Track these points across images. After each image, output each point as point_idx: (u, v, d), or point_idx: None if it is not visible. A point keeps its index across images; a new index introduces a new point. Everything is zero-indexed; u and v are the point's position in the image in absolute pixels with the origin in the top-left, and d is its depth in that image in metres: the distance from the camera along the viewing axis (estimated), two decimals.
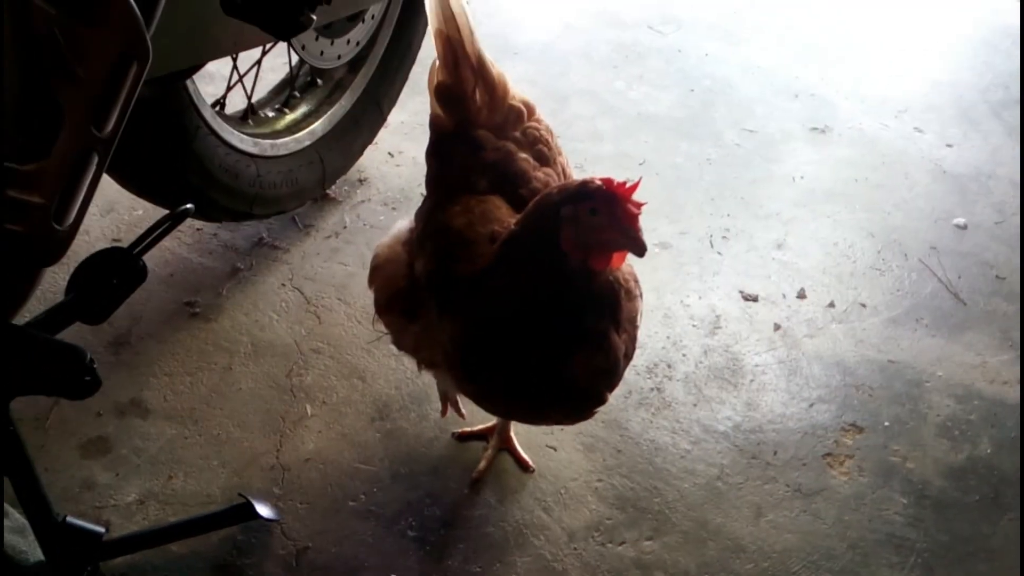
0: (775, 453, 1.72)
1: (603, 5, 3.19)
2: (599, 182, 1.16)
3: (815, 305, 2.04)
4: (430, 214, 1.44)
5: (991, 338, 2.01)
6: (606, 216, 1.14)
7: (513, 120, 1.47)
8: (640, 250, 1.14)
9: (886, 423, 1.79)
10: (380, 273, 1.50)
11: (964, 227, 2.32)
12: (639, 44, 2.98)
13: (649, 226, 2.26)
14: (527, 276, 1.23)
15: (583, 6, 3.18)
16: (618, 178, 2.33)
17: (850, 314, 2.02)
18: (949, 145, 2.63)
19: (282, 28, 1.05)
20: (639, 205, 1.14)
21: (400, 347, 1.50)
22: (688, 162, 2.46)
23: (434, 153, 1.51)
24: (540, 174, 1.43)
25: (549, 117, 2.52)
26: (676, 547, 1.56)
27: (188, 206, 1.10)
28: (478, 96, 1.44)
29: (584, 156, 2.44)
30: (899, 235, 2.26)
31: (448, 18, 1.41)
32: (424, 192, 1.54)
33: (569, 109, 2.64)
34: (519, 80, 2.67)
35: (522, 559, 1.52)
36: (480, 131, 1.44)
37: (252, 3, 0.98)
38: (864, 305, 2.05)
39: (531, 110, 1.49)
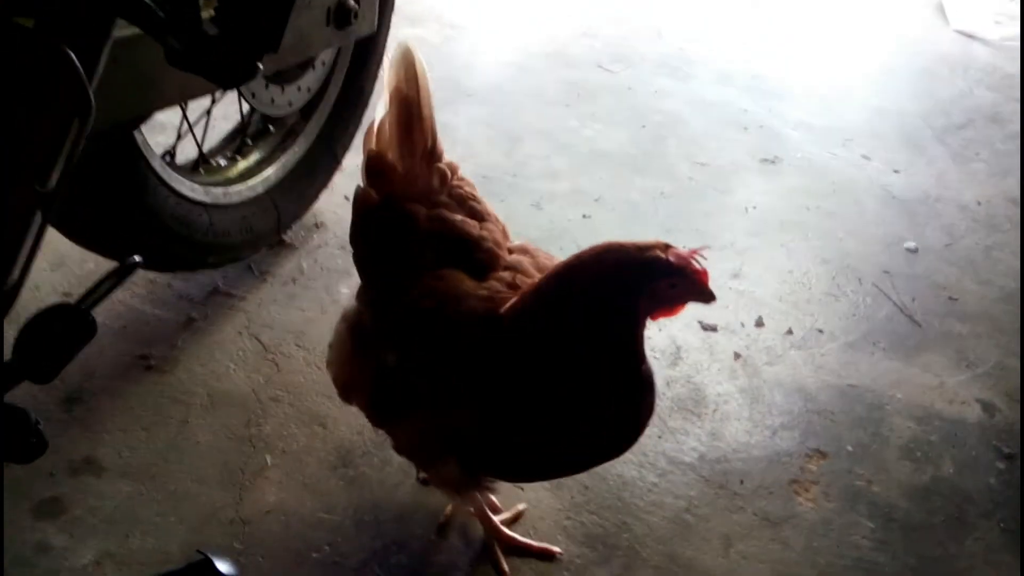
0: (741, 482, 1.72)
1: (553, 47, 3.24)
2: (670, 257, 1.17)
3: (773, 333, 2.06)
4: (387, 303, 1.35)
5: (947, 359, 2.04)
6: (683, 284, 1.18)
7: (439, 183, 1.40)
8: (711, 301, 1.21)
9: (849, 447, 1.80)
10: (333, 361, 1.46)
11: (915, 250, 2.37)
12: (590, 83, 3.03)
13: None
14: (588, 346, 1.21)
15: (533, 48, 3.22)
16: (573, 213, 2.34)
17: (808, 340, 2.04)
18: (896, 171, 2.69)
19: (228, 78, 1.04)
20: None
21: (399, 452, 1.46)
22: (643, 197, 2.49)
23: (361, 234, 1.41)
24: (485, 232, 1.37)
25: (504, 157, 2.59)
26: None
27: (135, 259, 1.08)
28: (420, 164, 1.38)
29: (540, 194, 2.46)
30: (852, 260, 2.30)
31: (411, 78, 1.36)
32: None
33: (524, 148, 2.67)
34: (474, 121, 2.73)
35: None
36: (410, 204, 1.36)
37: (196, 53, 0.97)
38: (821, 331, 2.07)
39: (454, 169, 1.43)
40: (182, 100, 1.60)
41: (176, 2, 0.98)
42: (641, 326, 1.24)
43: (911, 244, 2.39)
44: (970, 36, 3.66)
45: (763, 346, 2.02)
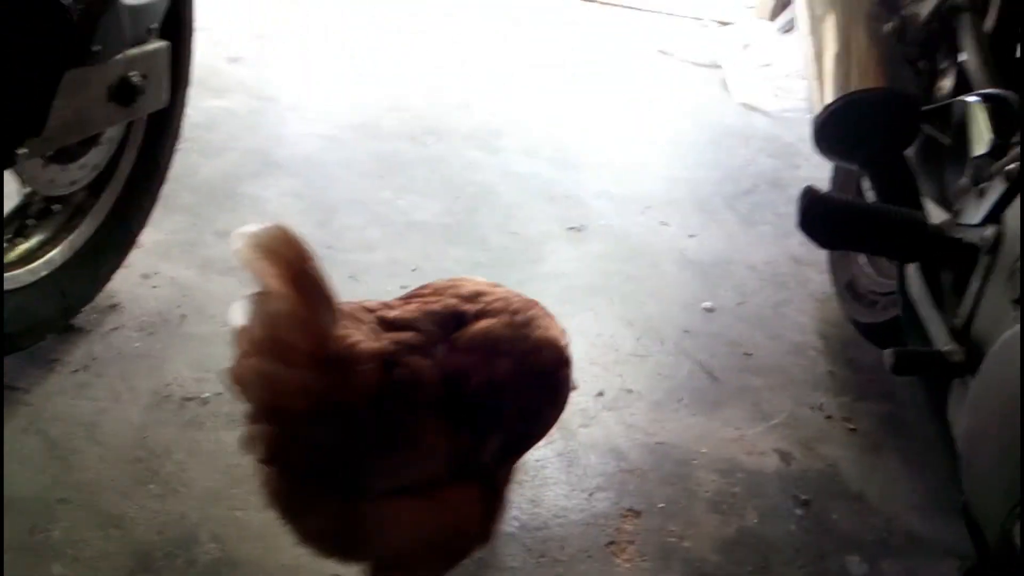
0: (562, 548, 1.73)
1: (363, 118, 3.25)
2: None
3: (586, 395, 2.11)
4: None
5: (745, 412, 2.16)
6: None
7: (330, 307, 1.17)
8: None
9: (661, 504, 1.86)
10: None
11: (711, 310, 2.52)
12: (401, 154, 3.05)
13: None
14: None
15: (343, 120, 3.22)
16: (391, 284, 2.31)
17: (618, 401, 2.11)
18: (691, 236, 2.87)
19: None
20: None
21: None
22: (458, 266, 2.51)
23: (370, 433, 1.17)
24: (417, 301, 1.30)
25: (318, 228, 2.55)
26: None
27: None
28: (335, 312, 1.18)
29: (357, 266, 2.43)
30: (655, 322, 2.42)
31: (285, 239, 1.09)
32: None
33: (338, 220, 2.64)
34: (285, 194, 2.68)
35: None
36: (360, 347, 1.16)
37: None
38: (630, 391, 2.15)
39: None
40: None
41: None
42: None
43: (707, 304, 2.54)
44: (752, 108, 3.99)
45: (577, 408, 2.07)
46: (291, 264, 1.09)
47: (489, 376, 1.24)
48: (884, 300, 2.23)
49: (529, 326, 1.32)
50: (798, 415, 2.18)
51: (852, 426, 2.17)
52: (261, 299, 1.09)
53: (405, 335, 1.21)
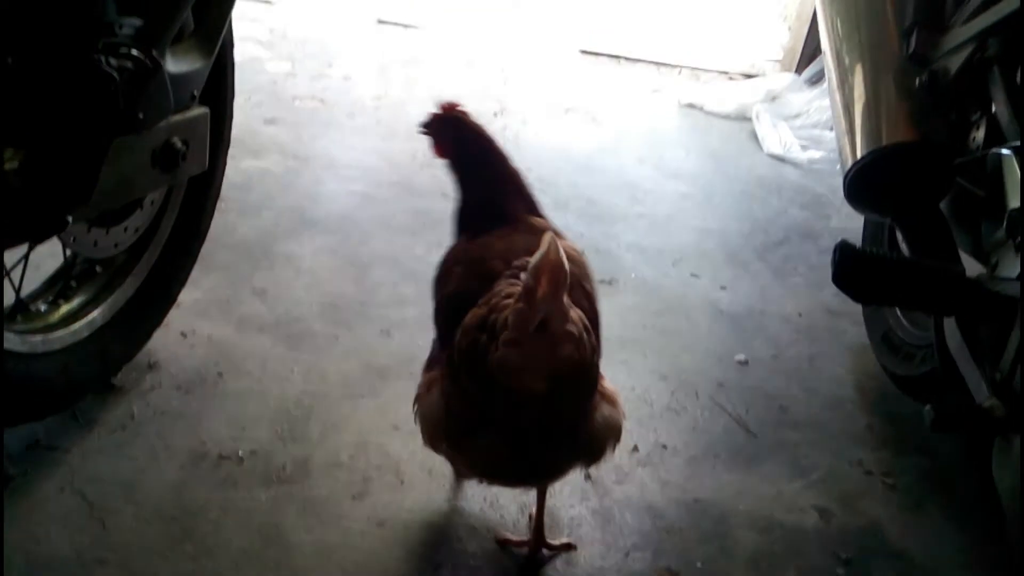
0: None
1: (398, 176, 3.31)
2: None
3: (620, 451, 2.08)
4: None
5: (783, 467, 2.13)
6: None
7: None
8: None
9: (699, 564, 1.83)
10: None
11: (745, 363, 2.50)
12: (435, 211, 3.08)
13: None
14: None
15: (380, 178, 3.28)
16: (423, 339, 2.33)
17: (653, 457, 2.09)
18: (723, 288, 2.86)
19: (32, 233, 0.99)
20: None
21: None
22: None
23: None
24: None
25: (352, 285, 2.58)
26: None
27: None
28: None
29: (388, 321, 2.45)
30: (689, 376, 2.40)
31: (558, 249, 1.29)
32: None
33: (371, 276, 2.67)
34: (320, 251, 2.72)
35: None
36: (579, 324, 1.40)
37: None
38: (665, 446, 2.13)
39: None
40: None
41: None
42: None
43: (741, 356, 2.52)
44: (782, 159, 4.00)
45: (611, 465, 2.05)
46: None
47: (591, 302, 1.58)
48: (921, 353, 2.20)
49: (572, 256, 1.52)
50: (837, 470, 2.14)
51: (892, 481, 2.12)
52: (557, 304, 1.32)
53: (578, 310, 1.43)
